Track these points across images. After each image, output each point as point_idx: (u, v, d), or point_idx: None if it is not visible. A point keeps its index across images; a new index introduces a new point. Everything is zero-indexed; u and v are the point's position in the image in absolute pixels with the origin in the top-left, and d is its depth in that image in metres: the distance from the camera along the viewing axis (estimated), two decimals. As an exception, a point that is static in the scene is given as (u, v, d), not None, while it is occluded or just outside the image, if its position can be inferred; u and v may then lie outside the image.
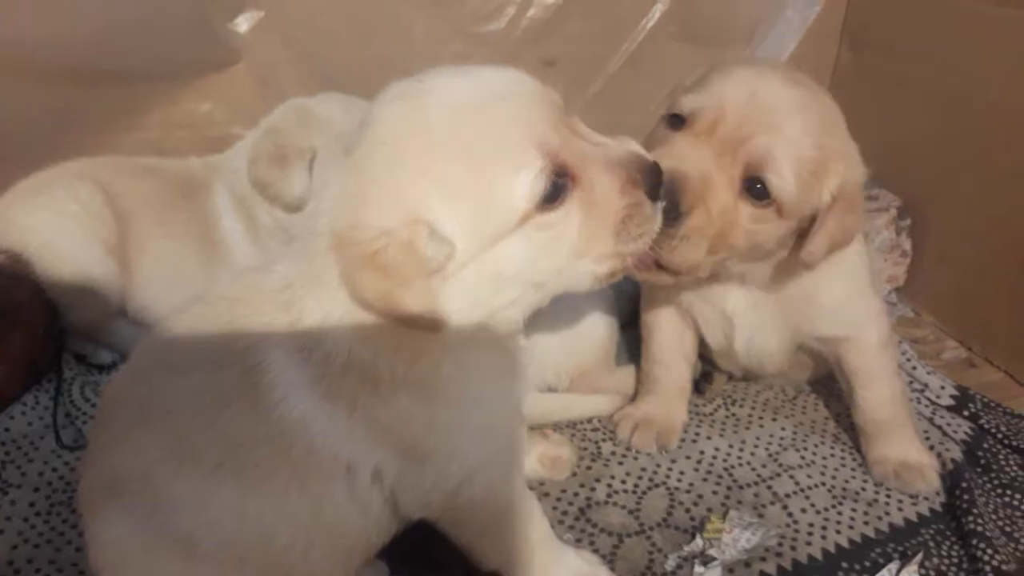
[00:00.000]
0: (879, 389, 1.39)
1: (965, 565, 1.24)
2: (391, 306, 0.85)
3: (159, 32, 1.73)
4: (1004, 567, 1.21)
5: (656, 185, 0.96)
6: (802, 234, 1.21)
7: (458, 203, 0.87)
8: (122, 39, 1.69)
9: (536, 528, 1.11)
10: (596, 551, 1.24)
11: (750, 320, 1.39)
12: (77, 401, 1.51)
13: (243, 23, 1.83)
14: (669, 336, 1.48)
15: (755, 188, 1.14)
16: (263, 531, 0.96)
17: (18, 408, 1.50)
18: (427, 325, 0.87)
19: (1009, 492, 1.40)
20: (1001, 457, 1.48)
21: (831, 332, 1.38)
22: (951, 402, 1.62)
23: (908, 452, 1.40)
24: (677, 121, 1.19)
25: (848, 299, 1.35)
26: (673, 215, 1.09)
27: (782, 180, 1.12)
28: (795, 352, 1.47)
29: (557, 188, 0.89)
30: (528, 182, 0.87)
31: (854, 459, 1.47)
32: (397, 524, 1.06)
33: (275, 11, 1.83)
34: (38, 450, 1.41)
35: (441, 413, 0.96)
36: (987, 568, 1.21)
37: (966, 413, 1.59)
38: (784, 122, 1.13)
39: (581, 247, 0.93)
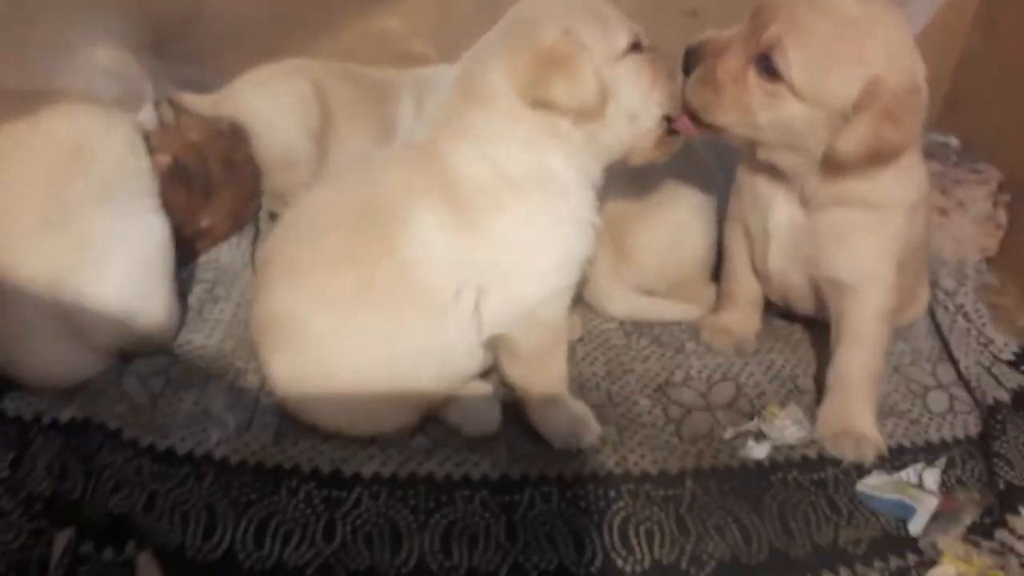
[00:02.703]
0: (860, 353, 1.50)
1: (983, 478, 1.44)
2: (574, 88, 1.25)
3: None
4: (1016, 482, 1.40)
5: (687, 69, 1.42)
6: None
7: (590, 28, 1.31)
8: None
9: (560, 367, 1.45)
10: (666, 415, 1.52)
11: (784, 240, 1.54)
12: (270, 247, 1.89)
13: (437, -47, 2.13)
14: (742, 254, 1.69)
15: (765, 63, 1.33)
16: (385, 355, 1.30)
17: (225, 246, 1.90)
18: (596, 102, 1.28)
19: (1044, 434, 1.57)
20: (1046, 408, 1.65)
21: (843, 276, 1.49)
22: (1011, 357, 1.76)
23: (855, 421, 1.48)
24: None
25: (871, 254, 1.46)
26: (691, 64, 1.40)
27: (786, 61, 1.31)
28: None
29: (637, 48, 1.35)
30: (625, 31, 1.34)
31: (908, 388, 1.66)
32: (483, 359, 1.41)
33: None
34: (239, 277, 1.79)
35: (545, 229, 1.32)
36: (1000, 482, 1.41)
37: (1022, 368, 1.75)
38: (805, 15, 1.31)
39: (654, 82, 1.36)
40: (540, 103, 1.26)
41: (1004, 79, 2.21)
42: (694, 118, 1.43)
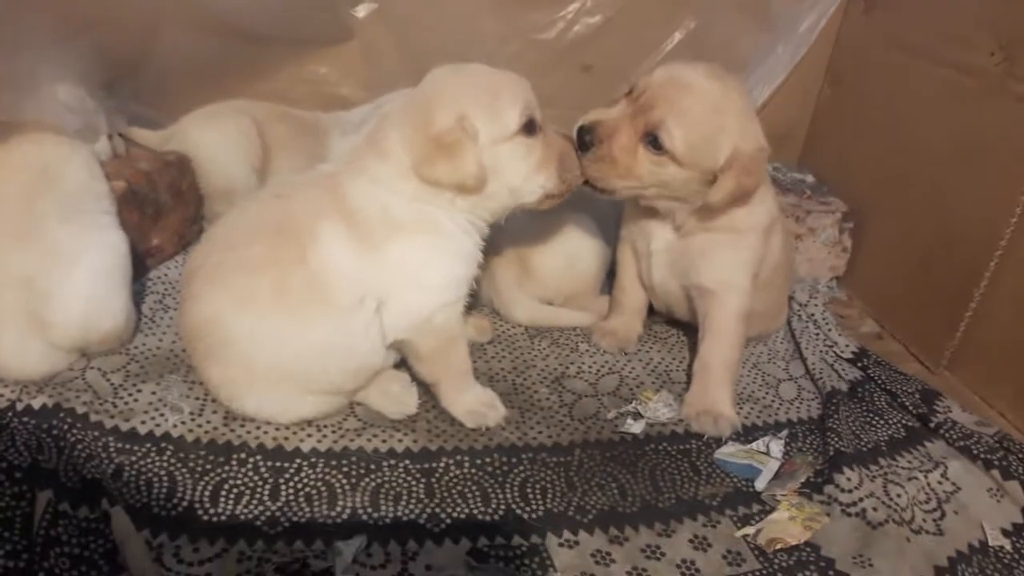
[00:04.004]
0: (719, 346, 1.80)
1: (818, 448, 1.76)
2: (454, 171, 1.45)
3: (299, 9, 2.32)
4: (843, 449, 1.72)
5: (582, 144, 1.66)
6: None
7: (482, 113, 1.47)
8: (273, 10, 2.27)
9: (463, 362, 1.68)
10: (561, 400, 1.80)
11: (662, 259, 1.87)
12: (213, 264, 2.11)
13: (361, 10, 2.41)
14: (630, 270, 2.00)
15: (653, 140, 1.62)
16: (296, 352, 1.52)
17: (173, 263, 2.11)
18: (475, 183, 1.48)
19: (871, 415, 1.88)
20: (876, 396, 1.96)
21: (706, 283, 1.81)
22: (851, 356, 2.12)
23: (715, 403, 1.77)
24: (628, 90, 1.72)
25: (728, 266, 1.79)
26: (588, 143, 1.66)
27: (671, 139, 1.60)
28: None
29: (531, 128, 1.53)
30: (516, 115, 1.51)
31: (764, 380, 2.00)
32: (386, 356, 1.64)
33: (386, 5, 2.40)
34: (186, 290, 2.01)
35: (431, 257, 1.55)
36: (831, 449, 1.72)
37: (859, 365, 2.09)
38: (682, 100, 1.60)
39: (540, 165, 1.56)
40: (425, 179, 1.48)
41: (848, 125, 2.61)
42: (590, 184, 1.70)
